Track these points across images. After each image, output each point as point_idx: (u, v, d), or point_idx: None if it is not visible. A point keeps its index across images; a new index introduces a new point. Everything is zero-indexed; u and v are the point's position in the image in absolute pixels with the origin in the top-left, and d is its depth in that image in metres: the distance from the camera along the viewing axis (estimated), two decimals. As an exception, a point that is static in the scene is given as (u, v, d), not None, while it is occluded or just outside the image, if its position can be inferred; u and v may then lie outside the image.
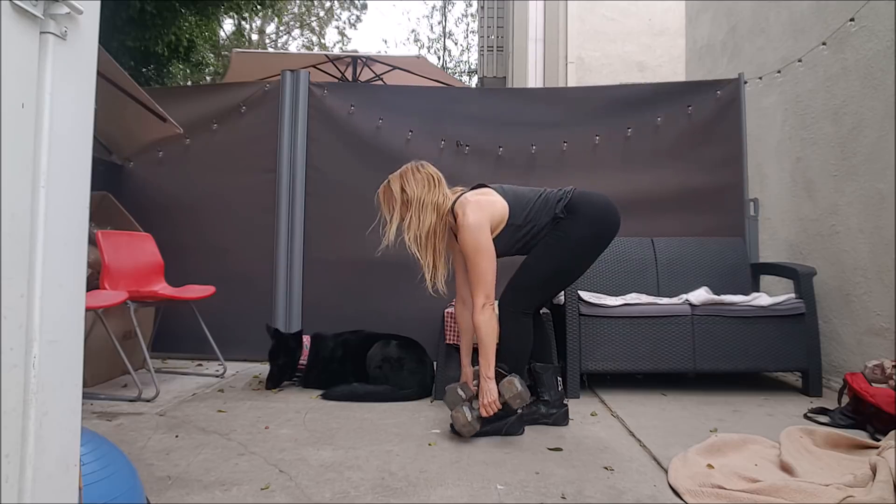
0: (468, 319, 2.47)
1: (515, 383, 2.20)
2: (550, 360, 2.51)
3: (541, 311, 2.59)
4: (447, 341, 2.86)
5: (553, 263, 2.33)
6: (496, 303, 2.30)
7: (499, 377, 2.33)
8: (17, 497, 0.82)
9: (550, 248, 2.32)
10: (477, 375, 2.34)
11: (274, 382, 3.07)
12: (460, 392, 2.38)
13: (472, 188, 2.42)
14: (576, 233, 2.31)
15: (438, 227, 2.29)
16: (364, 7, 23.19)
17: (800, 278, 3.05)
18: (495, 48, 12.02)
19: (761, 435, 2.21)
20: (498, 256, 2.29)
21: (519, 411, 2.33)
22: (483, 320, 2.21)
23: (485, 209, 2.27)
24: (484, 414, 2.23)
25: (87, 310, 2.10)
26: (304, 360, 3.09)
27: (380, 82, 6.33)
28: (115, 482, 1.23)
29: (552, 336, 2.69)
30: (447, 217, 2.32)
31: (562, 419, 2.45)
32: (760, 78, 4.11)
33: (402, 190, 2.31)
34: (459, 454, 2.07)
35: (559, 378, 2.50)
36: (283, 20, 20.11)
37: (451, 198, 2.34)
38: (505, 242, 2.32)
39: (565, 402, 2.50)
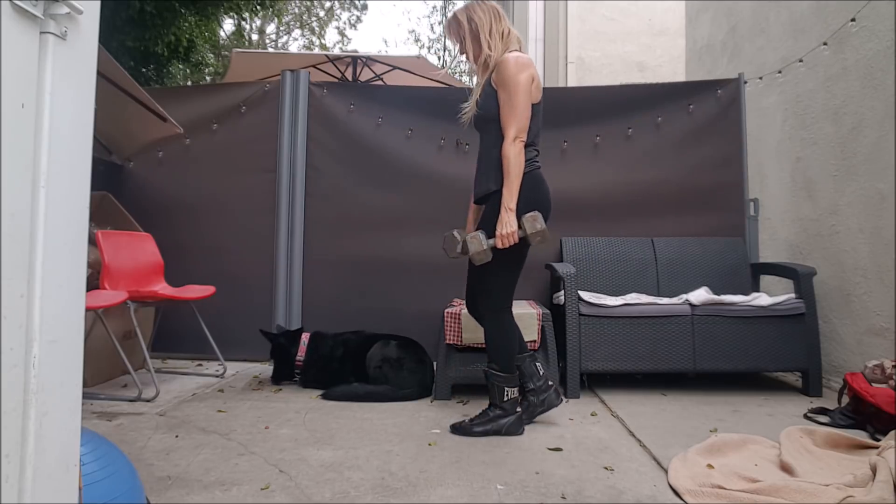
0: None
1: (539, 220, 2.17)
2: (524, 350, 2.50)
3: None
4: (447, 341, 2.86)
5: (502, 251, 2.27)
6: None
7: (487, 378, 2.33)
8: (17, 497, 0.82)
9: (494, 223, 2.28)
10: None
11: (275, 379, 3.17)
12: (457, 235, 2.33)
13: None
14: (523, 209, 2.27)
15: (501, 57, 2.33)
16: (364, 7, 23.19)
17: (800, 278, 3.05)
18: (495, 48, 11.99)
19: (761, 435, 2.21)
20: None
21: (518, 410, 2.33)
22: (513, 153, 2.22)
23: (533, 68, 2.32)
24: (500, 245, 2.20)
25: (87, 310, 2.10)
26: (300, 356, 3.10)
27: (380, 82, 6.33)
28: (115, 482, 1.23)
29: (520, 331, 2.64)
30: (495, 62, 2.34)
31: (554, 399, 2.44)
32: (760, 78, 4.11)
33: (469, 20, 2.37)
34: (459, 454, 2.07)
35: (537, 364, 2.47)
36: (283, 20, 20.10)
37: (515, 33, 2.40)
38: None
39: (550, 382, 2.47)
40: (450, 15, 2.47)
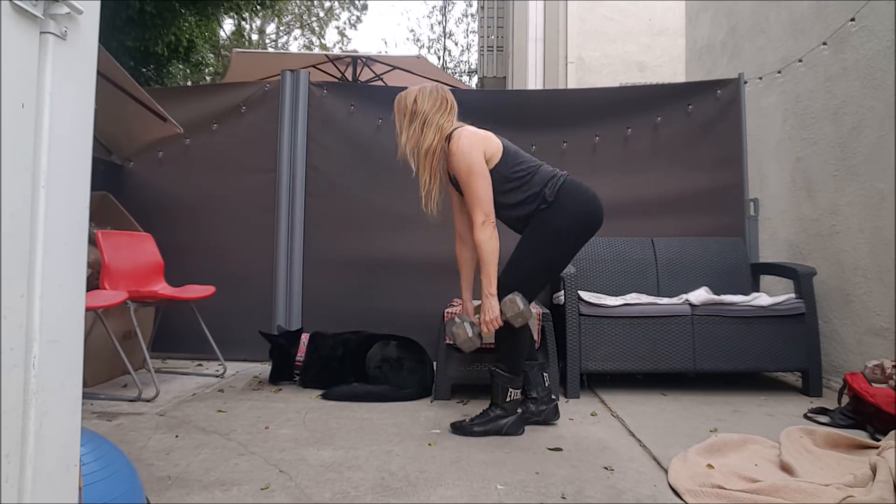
0: (467, 255, 2.51)
1: (518, 301, 2.19)
2: (534, 357, 2.51)
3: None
4: (447, 341, 2.85)
5: (537, 258, 2.32)
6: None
7: (492, 377, 2.34)
8: (17, 497, 0.82)
9: (533, 243, 2.32)
10: (477, 310, 2.33)
11: (273, 379, 3.16)
12: (458, 319, 2.36)
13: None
14: (559, 225, 2.30)
15: (437, 149, 2.32)
16: (364, 7, 23.20)
17: (800, 278, 3.05)
18: (495, 48, 12.03)
19: (761, 435, 2.21)
20: None
21: (519, 410, 2.33)
22: (484, 237, 2.22)
23: (479, 137, 2.32)
24: (485, 331, 2.23)
25: (87, 310, 2.10)
26: (300, 356, 3.10)
27: (380, 82, 6.33)
28: (115, 482, 1.23)
29: (531, 332, 2.65)
30: (444, 143, 2.34)
31: (552, 415, 2.44)
32: (760, 78, 4.11)
33: (415, 101, 2.36)
34: (459, 454, 2.07)
35: (545, 374, 2.49)
36: (283, 20, 20.11)
37: (457, 126, 2.38)
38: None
39: (553, 397, 2.48)
40: (400, 93, 2.43)
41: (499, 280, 2.37)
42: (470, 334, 2.23)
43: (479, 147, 2.28)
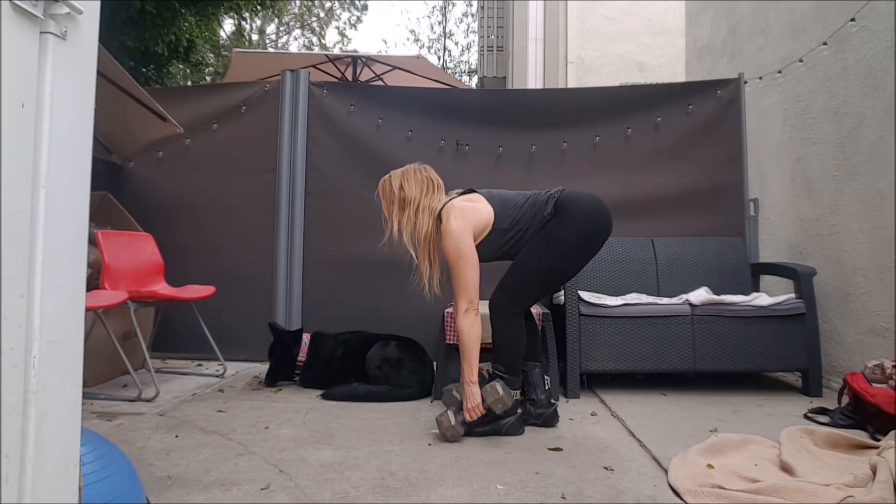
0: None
1: (497, 388, 2.20)
2: (537, 359, 2.50)
3: (532, 311, 2.58)
4: (447, 341, 2.86)
5: (542, 263, 2.32)
6: (482, 303, 2.30)
7: (493, 379, 2.33)
8: (17, 497, 0.82)
9: (539, 248, 2.31)
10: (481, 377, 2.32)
11: (271, 378, 3.11)
12: (456, 394, 2.37)
13: (461, 193, 2.42)
14: (564, 231, 2.29)
15: (433, 232, 2.31)
16: (364, 8, 23.21)
17: (800, 278, 3.05)
18: (495, 48, 12.02)
19: (761, 435, 2.21)
20: (483, 261, 2.28)
21: (519, 411, 2.33)
22: (465, 325, 2.20)
23: (468, 216, 2.27)
24: (468, 418, 2.22)
25: (87, 310, 2.10)
26: (302, 357, 3.10)
27: (380, 82, 6.33)
28: (115, 482, 1.23)
29: (538, 333, 2.66)
30: (436, 221, 2.33)
31: (551, 419, 2.43)
32: (760, 78, 4.11)
33: (401, 188, 2.33)
34: (459, 454, 2.07)
35: (546, 377, 2.48)
36: (283, 20, 20.11)
37: (445, 202, 2.35)
38: (490, 247, 2.32)
39: (553, 401, 2.48)
40: (386, 175, 2.40)
41: (499, 283, 2.37)
42: (453, 422, 2.20)
43: (468, 229, 2.24)
